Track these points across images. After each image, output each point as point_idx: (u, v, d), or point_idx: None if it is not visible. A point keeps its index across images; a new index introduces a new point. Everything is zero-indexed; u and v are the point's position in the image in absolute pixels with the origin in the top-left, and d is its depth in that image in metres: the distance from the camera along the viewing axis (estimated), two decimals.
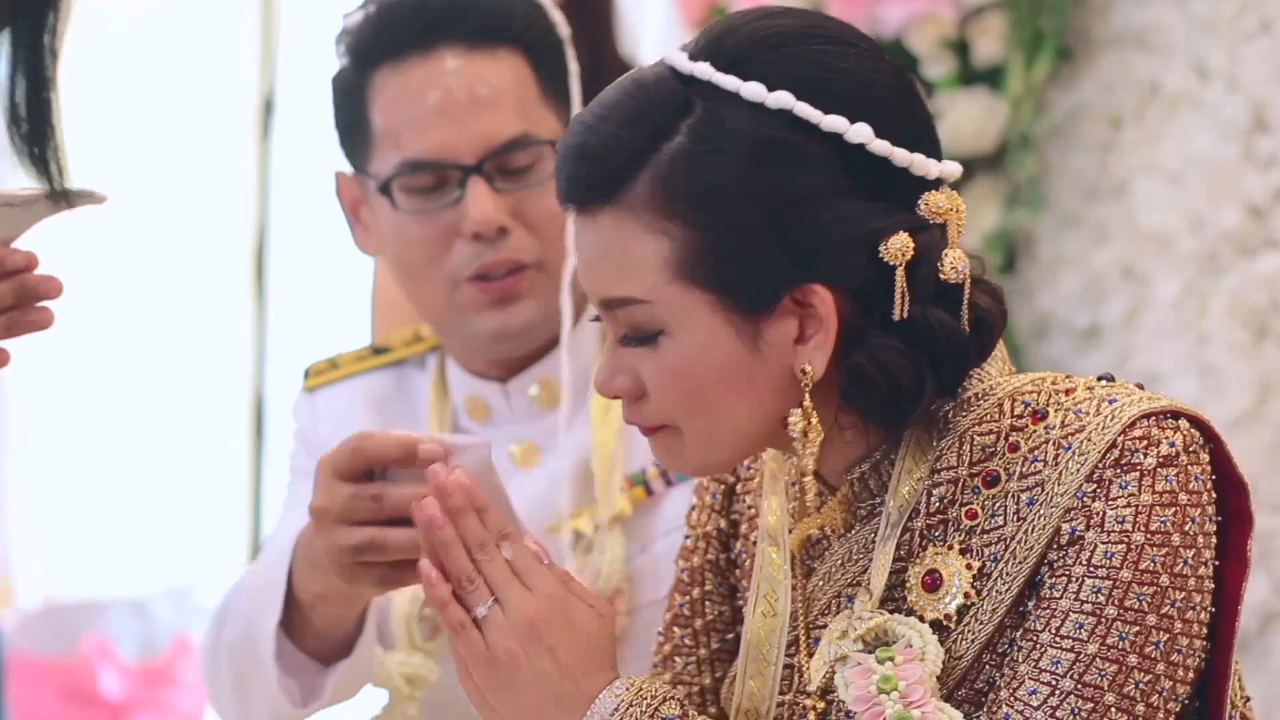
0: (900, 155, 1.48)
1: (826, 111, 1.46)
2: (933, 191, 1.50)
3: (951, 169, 1.51)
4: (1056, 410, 1.50)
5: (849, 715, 1.51)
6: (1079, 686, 1.45)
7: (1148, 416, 1.47)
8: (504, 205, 1.96)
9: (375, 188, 1.99)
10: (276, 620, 1.80)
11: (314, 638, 1.82)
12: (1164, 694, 1.46)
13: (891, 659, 1.47)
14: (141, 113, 4.90)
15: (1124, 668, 1.45)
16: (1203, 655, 1.49)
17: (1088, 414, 1.48)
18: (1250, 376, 3.32)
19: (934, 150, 1.51)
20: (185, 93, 4.85)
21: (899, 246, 1.47)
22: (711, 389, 1.49)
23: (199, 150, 4.94)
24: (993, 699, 1.48)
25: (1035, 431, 1.50)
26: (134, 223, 4.89)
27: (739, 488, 1.67)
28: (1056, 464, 1.48)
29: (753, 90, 1.46)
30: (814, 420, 1.49)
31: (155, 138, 4.88)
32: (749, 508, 1.66)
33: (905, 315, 1.48)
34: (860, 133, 1.47)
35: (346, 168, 2.08)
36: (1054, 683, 1.45)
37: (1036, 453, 1.49)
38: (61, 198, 1.55)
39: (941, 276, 1.48)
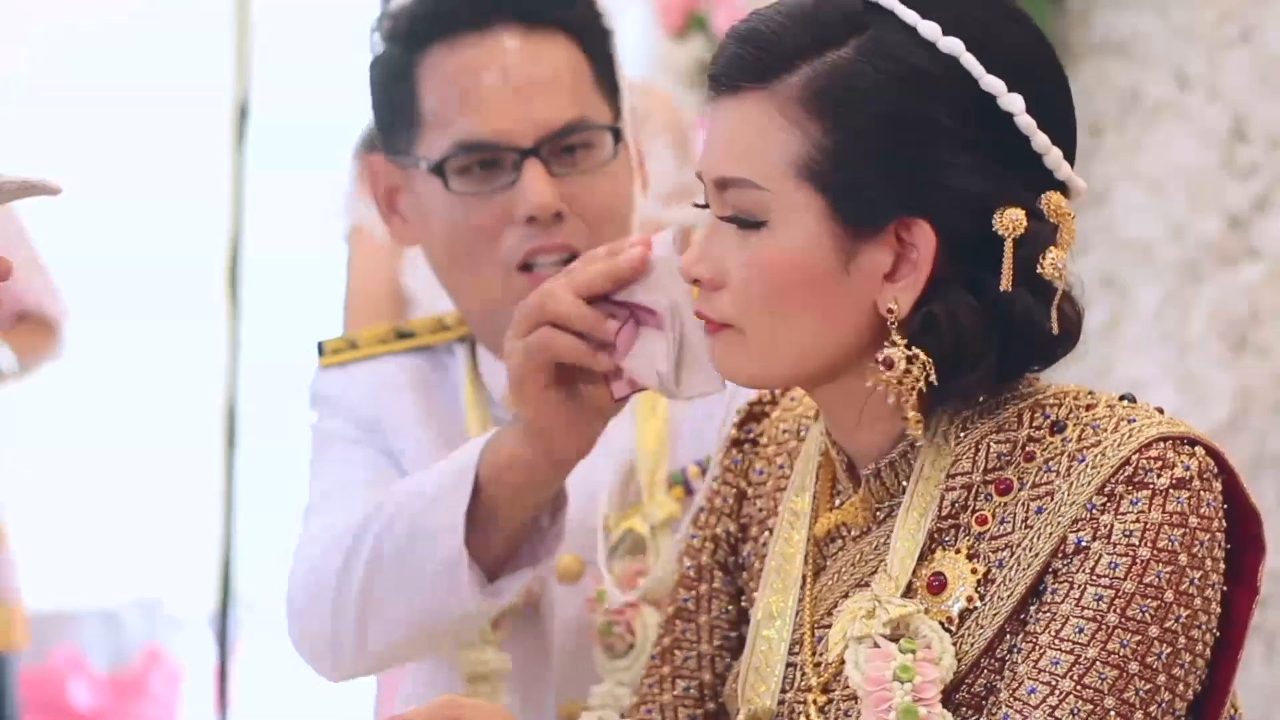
0: (1040, 140, 1.51)
1: (989, 71, 1.50)
2: (1056, 192, 1.52)
3: (1080, 182, 1.55)
4: (1075, 424, 1.51)
5: (847, 715, 1.52)
6: (1078, 688, 1.45)
7: (1165, 439, 1.48)
8: (560, 190, 1.92)
9: (427, 169, 1.95)
10: (464, 508, 1.77)
11: (494, 534, 1.79)
12: (1163, 706, 1.46)
13: (914, 652, 1.48)
14: (117, 118, 4.88)
15: (1124, 674, 1.45)
16: (1203, 675, 1.49)
17: (1105, 430, 1.49)
18: (1230, 387, 3.32)
19: (1069, 156, 1.54)
20: (160, 98, 4.84)
21: (1013, 219, 1.50)
22: (792, 293, 1.51)
23: (173, 156, 4.92)
24: (992, 701, 1.48)
25: (1052, 443, 1.51)
26: (108, 228, 4.87)
27: (750, 492, 1.68)
28: (1068, 475, 1.49)
29: (929, 28, 1.51)
30: (919, 354, 1.50)
31: (130, 143, 4.86)
32: (760, 510, 1.67)
33: (1002, 289, 1.50)
34: (1013, 102, 1.50)
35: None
36: (1053, 683, 1.45)
37: (1051, 463, 1.50)
38: (14, 184, 1.53)
39: (1038, 270, 1.50)
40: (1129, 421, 1.49)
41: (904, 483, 1.55)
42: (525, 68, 1.93)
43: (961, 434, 1.53)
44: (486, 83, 1.93)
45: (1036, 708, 1.45)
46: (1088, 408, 1.51)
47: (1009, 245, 1.49)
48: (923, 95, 1.49)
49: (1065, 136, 1.53)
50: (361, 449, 2.00)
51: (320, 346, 2.07)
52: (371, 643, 1.86)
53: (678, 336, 1.61)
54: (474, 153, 1.93)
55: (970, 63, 1.50)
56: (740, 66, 1.53)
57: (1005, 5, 1.55)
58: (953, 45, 1.50)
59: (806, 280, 1.51)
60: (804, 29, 1.52)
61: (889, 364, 1.50)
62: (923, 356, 1.49)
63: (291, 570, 1.92)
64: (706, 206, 1.56)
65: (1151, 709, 1.45)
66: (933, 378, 1.50)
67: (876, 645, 1.49)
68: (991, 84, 1.50)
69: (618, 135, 1.97)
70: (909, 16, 1.51)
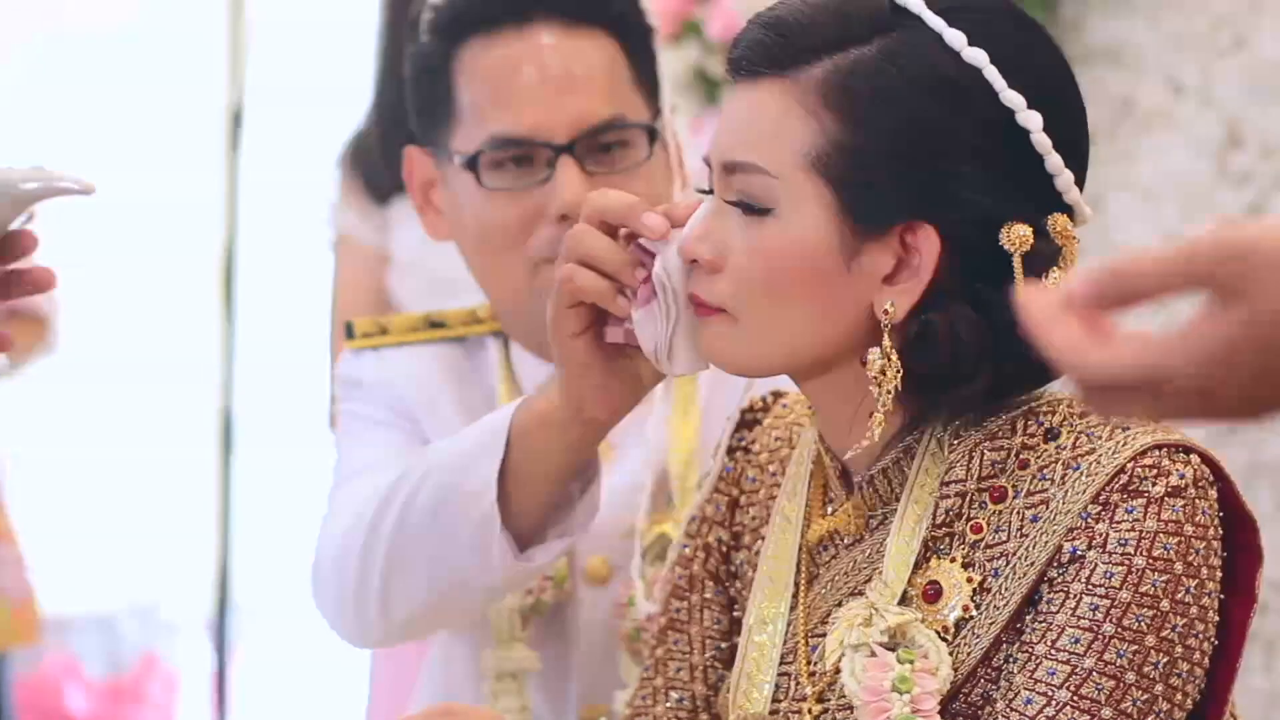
0: (1054, 161, 1.51)
1: (1010, 86, 1.50)
2: (1063, 214, 1.52)
3: (1086, 210, 1.54)
4: (1069, 432, 1.51)
5: None
6: (1075, 698, 1.45)
7: (1160, 447, 1.48)
8: (593, 188, 1.86)
9: (460, 163, 1.94)
10: (496, 468, 1.73)
11: (525, 499, 1.75)
12: (1161, 715, 1.46)
13: (911, 662, 1.48)
14: (112, 124, 4.88)
15: (1121, 684, 1.45)
16: (1201, 684, 1.48)
17: (1100, 437, 1.49)
18: None
19: (1080, 181, 1.54)
20: (154, 104, 4.84)
21: (1020, 235, 1.50)
22: (790, 283, 1.51)
23: (168, 162, 4.92)
24: (989, 711, 1.48)
25: (1046, 450, 1.51)
26: (103, 235, 4.87)
27: (743, 500, 1.68)
28: (1063, 483, 1.49)
29: (954, 37, 1.50)
30: (893, 359, 1.50)
31: (125, 149, 4.86)
32: (753, 518, 1.67)
33: (1003, 304, 1.48)
34: (1031, 119, 1.50)
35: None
36: (1050, 693, 1.45)
37: (1045, 471, 1.50)
38: (37, 185, 1.52)
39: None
40: (1123, 429, 1.49)
41: (897, 490, 1.55)
42: (562, 64, 1.92)
43: (955, 441, 1.53)
44: (523, 78, 1.91)
45: (1033, 718, 1.45)
46: (1082, 415, 1.51)
47: (1017, 260, 1.49)
48: (942, 102, 1.49)
49: (1077, 162, 1.53)
50: (392, 431, 1.99)
51: (349, 328, 2.05)
52: (396, 606, 1.83)
53: (677, 309, 1.58)
54: (508, 148, 1.92)
55: (993, 75, 1.49)
56: (762, 53, 1.52)
57: (1033, 25, 1.54)
58: (977, 56, 1.50)
59: (807, 272, 1.50)
60: (830, 22, 1.52)
61: (862, 361, 1.50)
62: (895, 362, 1.49)
63: (319, 538, 1.89)
64: (710, 192, 1.56)
65: (1149, 719, 1.45)
66: (896, 384, 1.49)
67: (873, 654, 1.49)
68: (1011, 99, 1.49)
69: (654, 134, 1.96)
70: (935, 22, 1.51)
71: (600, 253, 1.61)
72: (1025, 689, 1.46)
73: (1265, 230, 0.98)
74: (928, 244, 1.49)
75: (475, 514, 1.75)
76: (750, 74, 1.53)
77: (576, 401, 1.68)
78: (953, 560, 1.51)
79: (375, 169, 3.11)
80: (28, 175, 1.55)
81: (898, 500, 1.54)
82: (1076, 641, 1.45)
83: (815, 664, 1.56)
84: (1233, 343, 0.98)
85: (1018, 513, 1.50)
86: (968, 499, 1.52)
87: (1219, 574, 1.48)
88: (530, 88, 1.92)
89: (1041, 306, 1.05)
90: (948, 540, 1.52)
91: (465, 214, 1.96)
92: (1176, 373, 1.00)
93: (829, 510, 1.60)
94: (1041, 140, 1.50)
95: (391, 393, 2.00)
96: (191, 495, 4.82)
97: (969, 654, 1.49)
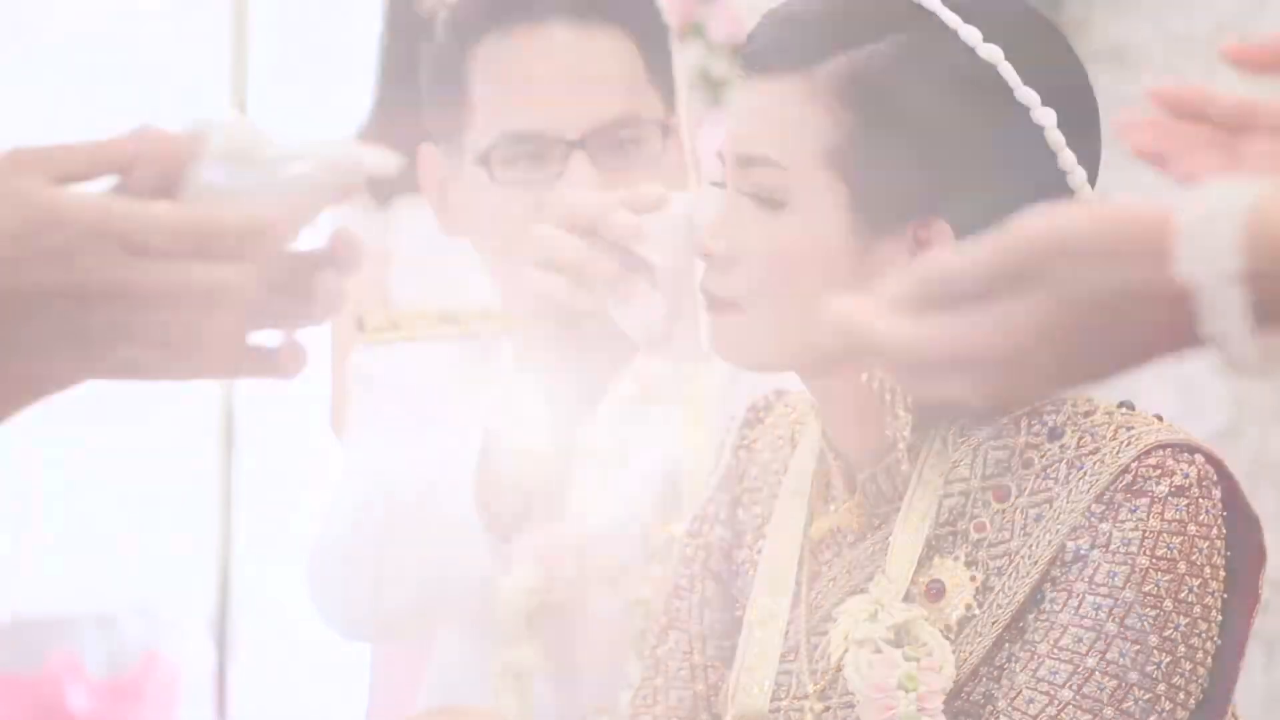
0: (1067, 158, 1.51)
1: (1025, 83, 1.50)
2: None
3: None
4: (1073, 431, 1.51)
5: None
6: (1078, 698, 1.45)
7: (1164, 446, 1.48)
8: (606, 184, 1.89)
9: (473, 159, 1.95)
10: (479, 461, 1.74)
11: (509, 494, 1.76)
12: (1163, 715, 1.46)
13: (917, 660, 1.48)
14: (111, 125, 4.86)
15: (1124, 684, 1.45)
16: (1204, 684, 1.49)
17: (1104, 437, 1.50)
18: (1228, 395, 3.32)
19: (1092, 178, 1.55)
20: (154, 106, 4.83)
21: None
22: (802, 276, 1.51)
23: None
24: (991, 710, 1.49)
25: (1050, 450, 1.51)
26: None
27: (745, 498, 1.68)
28: (1067, 483, 1.49)
29: (969, 33, 1.51)
30: None
31: None
32: (755, 517, 1.67)
33: None
34: (1046, 116, 1.50)
35: None
36: (1052, 693, 1.46)
37: (1049, 470, 1.50)
38: (320, 161, 1.05)
39: None
40: (1127, 429, 1.49)
41: (900, 488, 1.55)
42: (576, 60, 1.93)
43: (960, 440, 1.53)
44: (536, 74, 1.92)
45: (1036, 717, 1.45)
46: (1086, 414, 1.51)
47: None
48: (958, 99, 1.50)
49: (1090, 160, 1.53)
50: (401, 426, 1.99)
51: (360, 322, 2.07)
52: (388, 601, 1.84)
53: (675, 290, 1.57)
54: (521, 143, 1.93)
55: (1007, 72, 1.50)
56: (778, 47, 1.53)
57: (1048, 23, 1.55)
58: (991, 53, 1.51)
59: (819, 264, 1.51)
60: (845, 18, 1.52)
61: None
62: None
63: (318, 530, 1.91)
64: (723, 186, 1.57)
65: (1152, 718, 1.45)
66: None
67: (878, 650, 1.49)
68: (1026, 96, 1.50)
69: (667, 131, 1.96)
70: (950, 19, 1.51)
71: (564, 251, 1.61)
72: (1028, 688, 1.46)
73: (1060, 218, 1.03)
74: (941, 240, 1.50)
75: (456, 509, 1.76)
76: (765, 68, 1.53)
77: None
78: (956, 559, 1.51)
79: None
80: (338, 151, 1.07)
81: (901, 498, 1.55)
82: (1079, 640, 1.46)
83: (818, 661, 1.56)
84: (1038, 324, 1.02)
85: (1021, 511, 1.50)
86: (971, 498, 1.52)
87: (1222, 573, 1.49)
88: (544, 84, 1.93)
89: (842, 304, 1.07)
90: (951, 539, 1.52)
91: (478, 209, 1.97)
92: (988, 349, 1.04)
93: (832, 508, 1.61)
94: (1056, 138, 1.50)
95: (404, 389, 2.01)
96: (193, 492, 4.82)
97: (971, 652, 1.49)
